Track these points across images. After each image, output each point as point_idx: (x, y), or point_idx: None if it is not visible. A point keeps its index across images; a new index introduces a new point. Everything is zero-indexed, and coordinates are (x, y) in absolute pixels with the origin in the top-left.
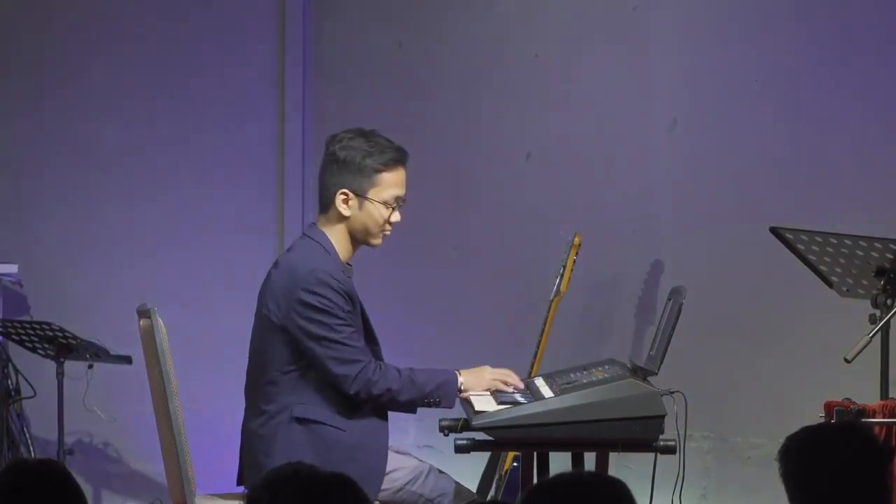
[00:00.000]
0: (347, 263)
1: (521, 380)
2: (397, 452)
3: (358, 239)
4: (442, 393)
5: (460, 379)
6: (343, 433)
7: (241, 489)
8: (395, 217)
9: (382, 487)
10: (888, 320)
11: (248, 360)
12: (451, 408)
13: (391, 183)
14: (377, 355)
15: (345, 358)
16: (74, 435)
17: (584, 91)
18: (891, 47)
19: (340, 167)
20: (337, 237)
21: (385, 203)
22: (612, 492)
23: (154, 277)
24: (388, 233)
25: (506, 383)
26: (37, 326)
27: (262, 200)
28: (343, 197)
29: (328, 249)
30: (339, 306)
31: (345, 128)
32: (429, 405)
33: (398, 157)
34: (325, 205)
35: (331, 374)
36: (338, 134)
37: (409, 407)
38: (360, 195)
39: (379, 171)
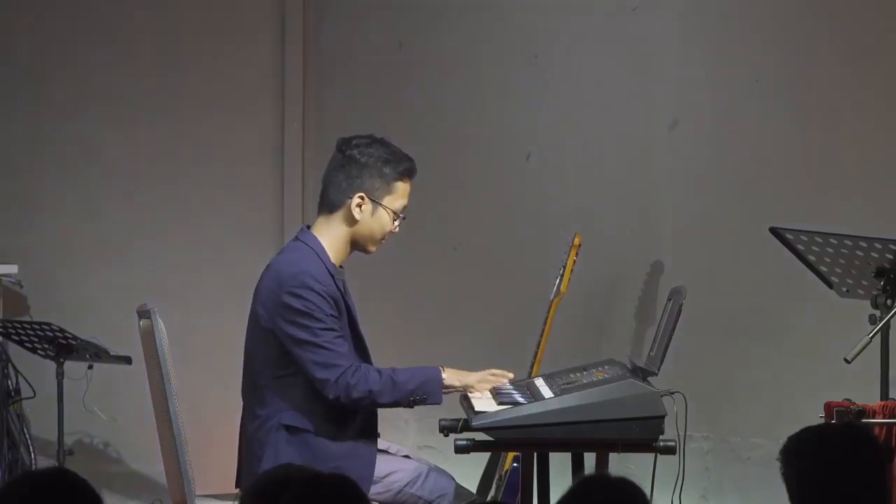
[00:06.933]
0: (339, 266)
1: (521, 380)
2: (396, 454)
3: (357, 244)
4: (427, 390)
5: (444, 374)
6: (330, 443)
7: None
8: (396, 228)
9: (382, 490)
10: (888, 320)
11: (243, 361)
12: (439, 403)
13: (404, 193)
14: (365, 361)
15: (325, 362)
16: (74, 435)
17: (584, 91)
18: (891, 47)
19: (360, 170)
20: (334, 240)
21: (395, 212)
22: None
23: (154, 277)
24: (384, 242)
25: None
26: (37, 326)
27: (262, 200)
28: (359, 201)
29: (318, 253)
30: (322, 310)
31: (345, 128)
32: (415, 403)
33: (412, 169)
34: (334, 206)
35: (312, 379)
36: (351, 138)
37: (394, 407)
38: (376, 201)
39: (396, 179)
